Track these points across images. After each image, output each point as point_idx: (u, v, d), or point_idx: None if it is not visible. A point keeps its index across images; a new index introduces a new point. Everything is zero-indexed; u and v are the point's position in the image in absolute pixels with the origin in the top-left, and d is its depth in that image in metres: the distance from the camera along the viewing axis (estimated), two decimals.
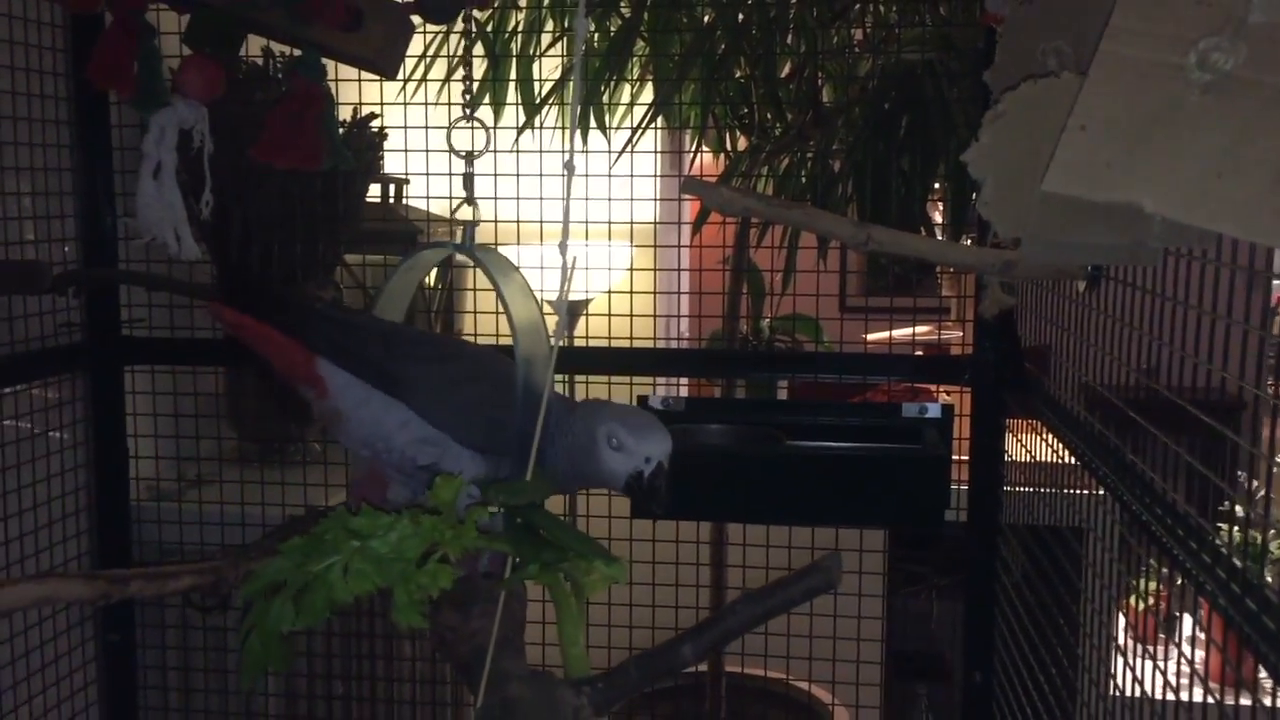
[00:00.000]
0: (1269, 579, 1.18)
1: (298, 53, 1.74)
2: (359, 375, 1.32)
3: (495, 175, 2.34)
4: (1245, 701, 1.19)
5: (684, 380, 3.30)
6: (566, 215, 1.17)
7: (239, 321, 1.34)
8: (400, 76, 2.19)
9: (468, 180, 1.47)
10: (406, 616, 1.07)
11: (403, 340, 1.36)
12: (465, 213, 1.45)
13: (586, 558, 1.14)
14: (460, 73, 2.38)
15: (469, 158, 1.44)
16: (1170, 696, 1.32)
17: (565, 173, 1.15)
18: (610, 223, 2.37)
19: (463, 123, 1.55)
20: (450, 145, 1.46)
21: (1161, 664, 1.43)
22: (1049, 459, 1.93)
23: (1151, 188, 0.89)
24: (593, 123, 2.83)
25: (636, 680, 1.18)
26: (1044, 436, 1.96)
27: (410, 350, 1.35)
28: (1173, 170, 0.88)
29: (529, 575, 1.16)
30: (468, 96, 1.66)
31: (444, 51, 2.67)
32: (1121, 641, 1.63)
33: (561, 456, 1.32)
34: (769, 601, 1.15)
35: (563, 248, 1.18)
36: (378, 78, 2.21)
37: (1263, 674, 1.08)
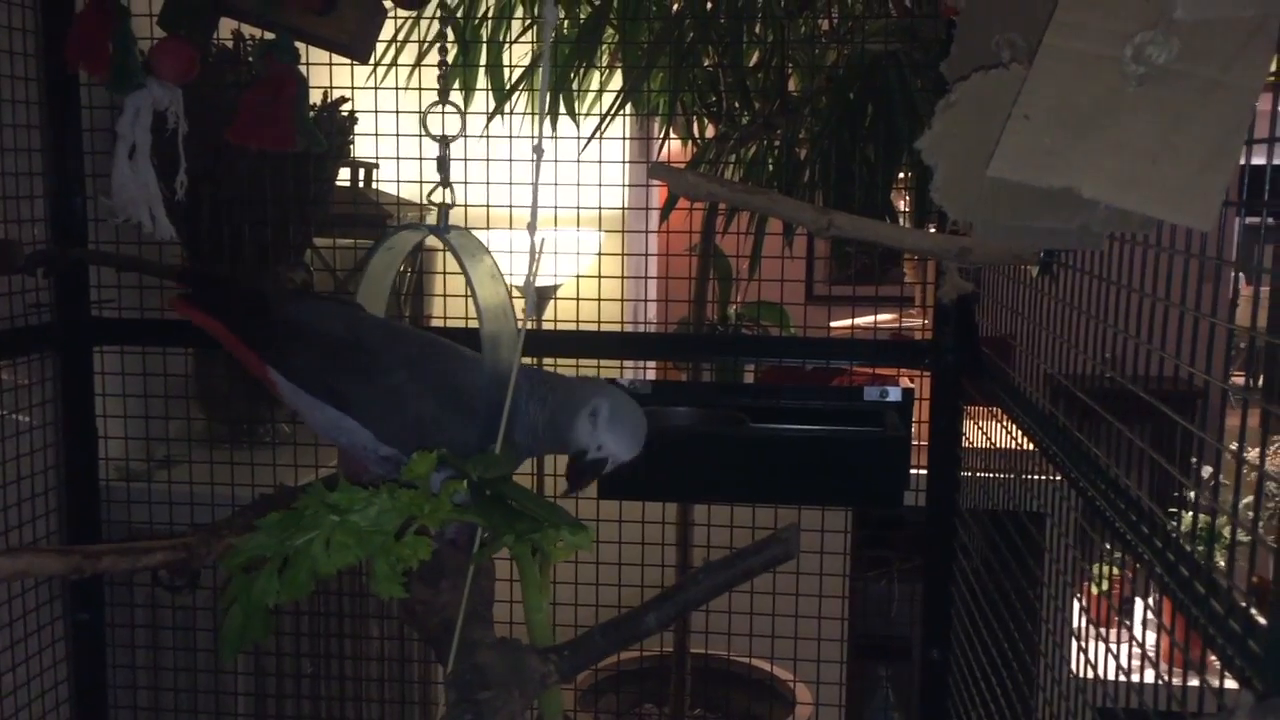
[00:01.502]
0: (1219, 561, 1.23)
1: (270, 36, 1.76)
2: (307, 391, 1.34)
3: (465, 160, 2.36)
4: (1194, 683, 1.23)
5: (651, 364, 3.34)
6: (535, 198, 1.20)
7: (198, 320, 1.38)
8: (370, 61, 2.21)
9: (442, 163, 1.50)
10: (387, 588, 1.10)
11: (356, 349, 1.36)
12: (441, 196, 1.47)
13: (554, 526, 1.17)
14: (430, 58, 2.39)
15: (444, 141, 1.46)
16: (1123, 678, 1.36)
17: (534, 156, 1.19)
18: (579, 208, 2.40)
19: (436, 107, 1.57)
20: (425, 129, 1.48)
21: (1115, 647, 1.47)
22: (1008, 445, 1.98)
23: (1089, 173, 0.94)
24: (562, 109, 2.86)
25: (602, 647, 1.22)
26: (1003, 422, 2.01)
27: (361, 362, 1.35)
28: (1109, 157, 0.93)
29: (505, 545, 1.19)
30: (442, 81, 1.68)
31: (414, 36, 2.69)
32: (1077, 624, 1.67)
33: (543, 417, 1.32)
34: (730, 571, 1.19)
35: (531, 229, 1.21)
36: (349, 62, 2.23)
37: (1212, 656, 1.12)
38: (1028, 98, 0.96)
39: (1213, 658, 1.08)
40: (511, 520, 1.17)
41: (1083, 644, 1.57)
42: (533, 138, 1.19)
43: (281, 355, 1.34)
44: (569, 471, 1.33)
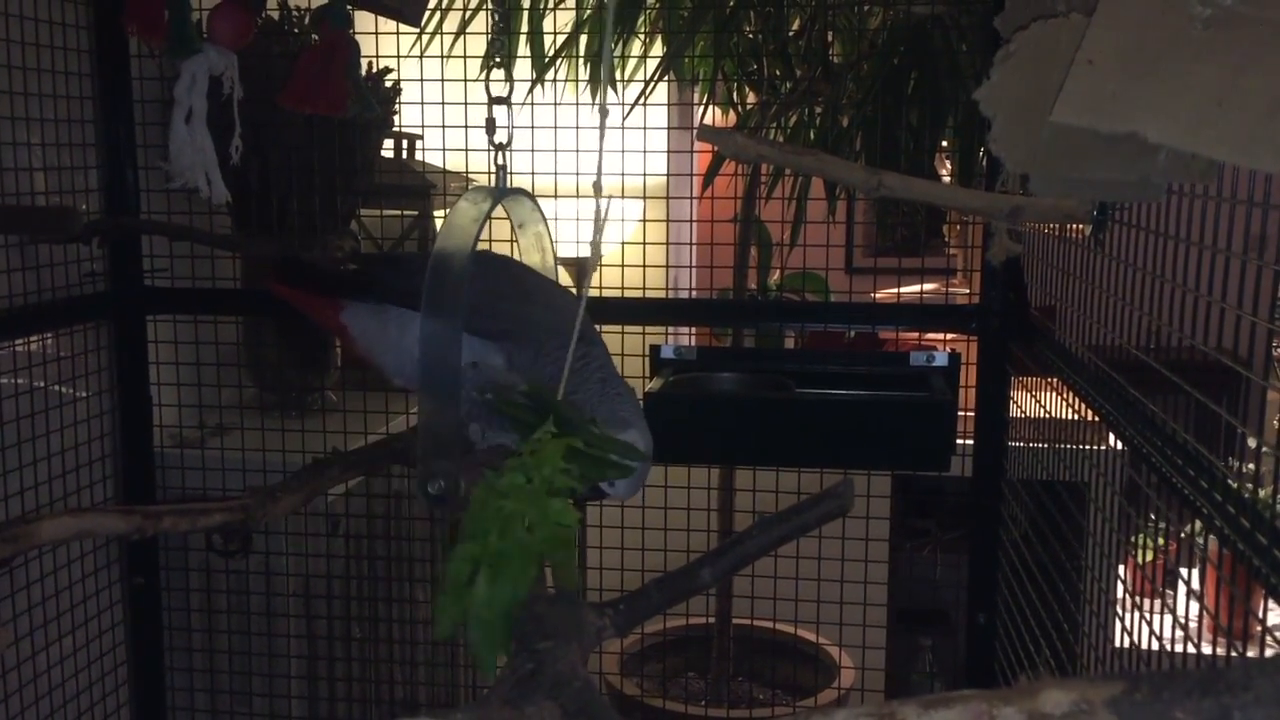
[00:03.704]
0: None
1: (323, 0, 1.77)
2: (375, 299, 1.42)
3: (511, 128, 2.36)
4: (1251, 654, 1.22)
5: (693, 330, 3.35)
6: (600, 160, 1.21)
7: (290, 296, 1.49)
8: (419, 26, 2.22)
9: (490, 125, 1.50)
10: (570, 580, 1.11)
11: (416, 259, 1.44)
12: (498, 159, 1.49)
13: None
14: (474, 25, 2.40)
15: (501, 101, 1.48)
16: (1174, 647, 1.36)
17: (598, 116, 1.19)
18: (624, 174, 2.41)
19: (486, 70, 1.58)
20: (488, 91, 1.49)
21: (1164, 616, 1.46)
22: (1055, 410, 1.97)
23: (1154, 118, 0.93)
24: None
25: (657, 601, 1.23)
26: (1051, 385, 2.00)
27: (421, 265, 1.41)
28: (1175, 101, 0.92)
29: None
30: (492, 43, 1.68)
31: (457, 4, 2.69)
32: (1124, 593, 1.66)
33: (589, 398, 1.35)
34: (785, 526, 1.19)
35: (596, 189, 1.22)
36: (393, 31, 2.24)
37: (1271, 622, 1.11)
38: (1091, 42, 0.96)
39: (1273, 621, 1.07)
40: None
41: (1137, 610, 1.57)
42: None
43: (352, 286, 1.42)
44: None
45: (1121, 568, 1.67)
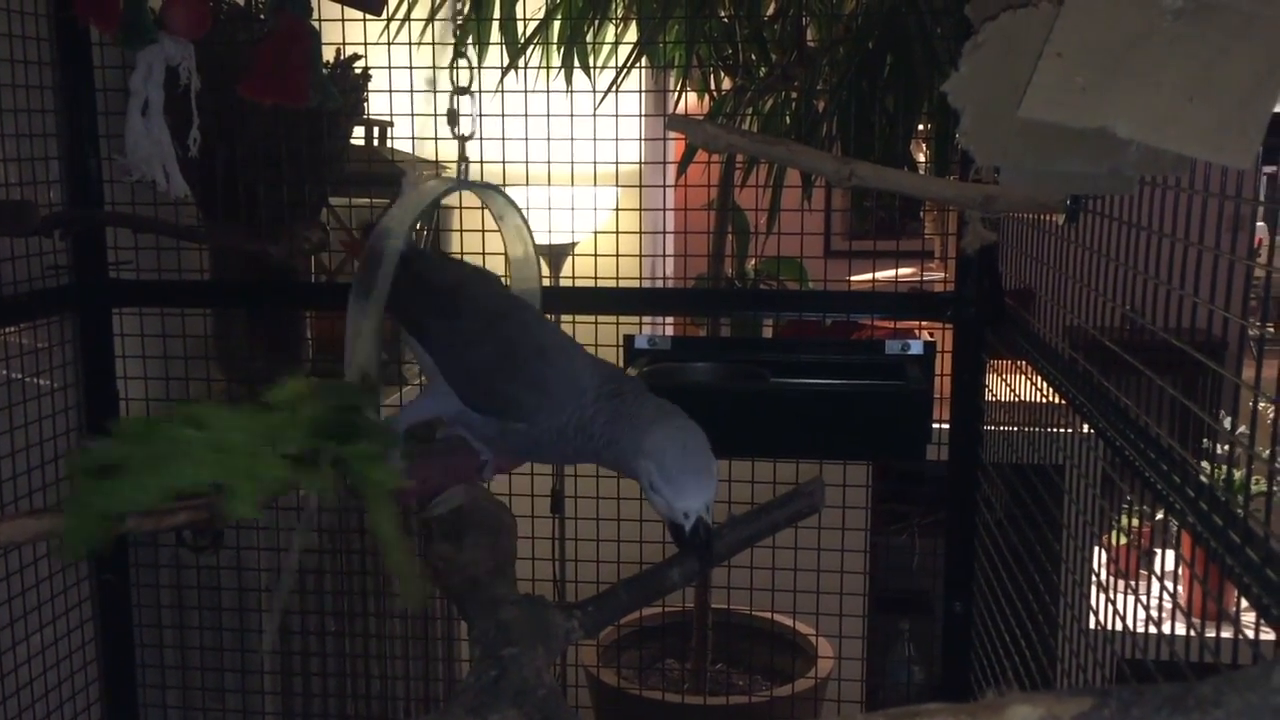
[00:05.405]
0: (1239, 512, 1.21)
1: None
2: (404, 326, 1.40)
3: (479, 115, 2.33)
4: (1225, 635, 1.21)
5: (669, 319, 3.33)
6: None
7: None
8: (383, 16, 2.18)
9: (452, 117, 1.48)
10: (243, 509, 1.06)
11: (447, 292, 1.37)
12: (462, 148, 1.47)
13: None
14: (443, 11, 2.37)
15: (464, 91, 1.45)
16: (1150, 629, 1.35)
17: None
18: (596, 163, 2.38)
19: (456, 61, 1.56)
20: (453, 80, 1.46)
21: (1139, 598, 1.46)
22: (1030, 397, 1.96)
23: (1124, 112, 0.92)
24: (575, 63, 2.83)
25: (626, 603, 1.22)
26: (1025, 373, 1.99)
27: (444, 305, 1.36)
28: (1145, 95, 0.91)
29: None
30: (458, 34, 1.66)
31: None
32: (1101, 576, 1.66)
33: (603, 430, 1.23)
34: (754, 525, 1.18)
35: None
36: (361, 17, 2.21)
37: (1242, 606, 1.11)
38: (1060, 35, 0.94)
39: (1244, 606, 1.06)
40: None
41: (1109, 595, 1.56)
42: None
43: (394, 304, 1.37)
44: (676, 542, 1.20)
45: (1103, 548, 1.66)
